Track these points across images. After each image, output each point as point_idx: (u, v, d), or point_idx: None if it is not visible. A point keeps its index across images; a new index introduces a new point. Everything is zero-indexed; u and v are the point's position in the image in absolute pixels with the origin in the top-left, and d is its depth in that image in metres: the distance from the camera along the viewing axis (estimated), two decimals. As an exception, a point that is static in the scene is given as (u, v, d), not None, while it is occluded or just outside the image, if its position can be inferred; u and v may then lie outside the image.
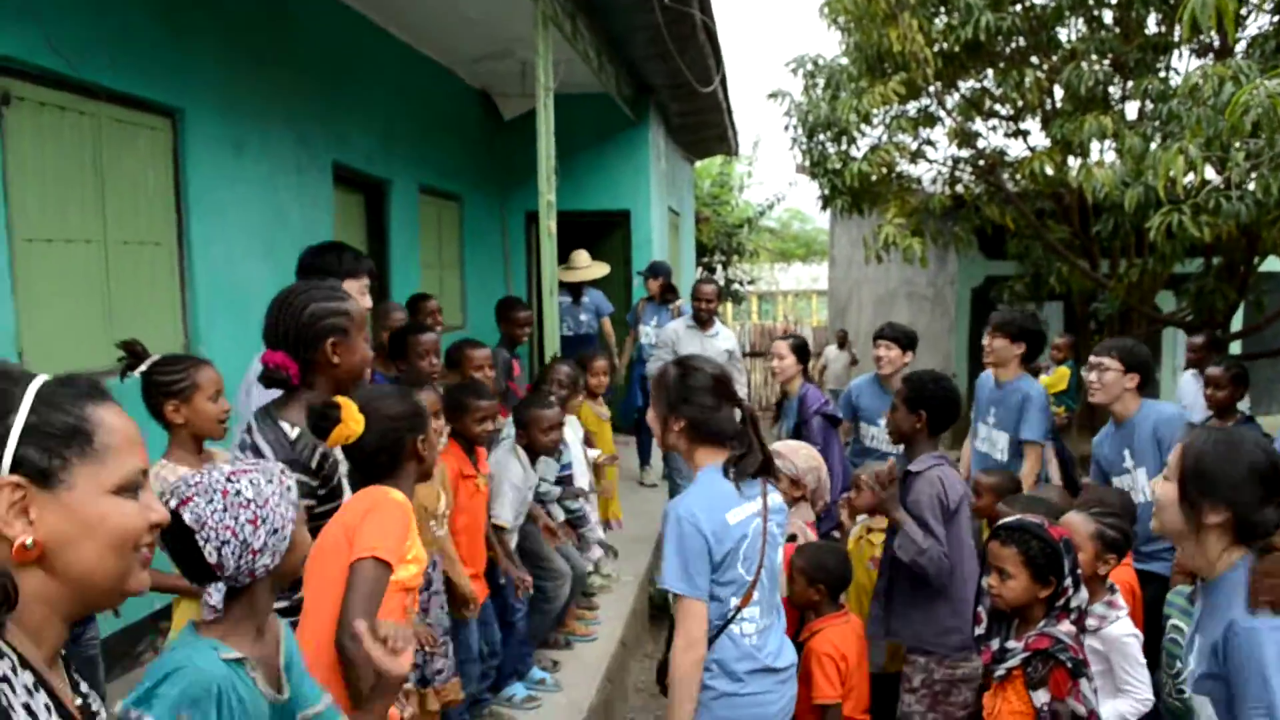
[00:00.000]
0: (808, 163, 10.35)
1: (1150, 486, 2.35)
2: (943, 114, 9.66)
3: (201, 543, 1.74)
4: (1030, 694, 2.84)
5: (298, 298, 2.53)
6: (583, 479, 5.14)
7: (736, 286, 18.82)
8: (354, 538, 2.19)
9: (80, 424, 1.22)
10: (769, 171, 65.88)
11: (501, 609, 4.26)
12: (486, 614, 4.05)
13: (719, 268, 18.33)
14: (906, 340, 5.67)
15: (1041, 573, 2.90)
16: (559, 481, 4.89)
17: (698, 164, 16.91)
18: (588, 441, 5.53)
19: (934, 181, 10.52)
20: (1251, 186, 6.24)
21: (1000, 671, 2.93)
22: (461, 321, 9.83)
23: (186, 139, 5.35)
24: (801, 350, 5.67)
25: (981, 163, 9.82)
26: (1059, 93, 8.85)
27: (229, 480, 1.79)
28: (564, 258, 10.01)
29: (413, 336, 4.27)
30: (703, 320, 6.93)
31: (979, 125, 10.02)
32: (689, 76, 8.77)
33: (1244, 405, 5.45)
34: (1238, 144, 5.97)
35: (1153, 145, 6.96)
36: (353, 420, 2.28)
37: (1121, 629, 3.22)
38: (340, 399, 2.28)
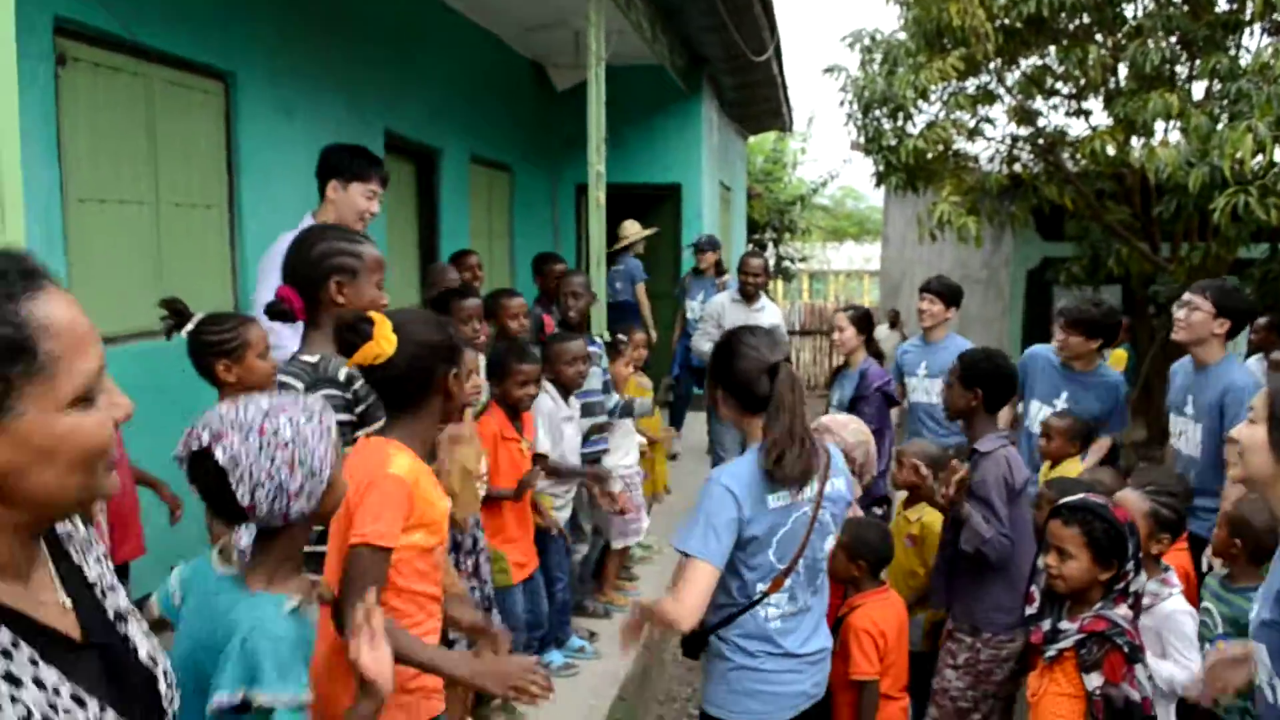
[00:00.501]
0: (862, 139, 10.20)
1: (1233, 434, 2.22)
2: (1002, 91, 9.46)
3: (234, 484, 1.66)
4: (1082, 677, 2.78)
5: (312, 236, 2.53)
6: (630, 454, 5.11)
7: (787, 264, 18.68)
8: (354, 513, 2.11)
9: (19, 336, 1.03)
10: (823, 148, 65.23)
11: (546, 577, 4.26)
12: (534, 583, 4.06)
13: (770, 245, 18.20)
14: (950, 295, 5.59)
15: (1103, 555, 2.82)
16: (592, 459, 4.83)
17: (751, 140, 16.78)
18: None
19: (991, 160, 10.32)
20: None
21: (1051, 652, 2.87)
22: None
23: (239, 102, 5.37)
24: (863, 322, 5.58)
25: (1041, 141, 9.62)
26: (1123, 71, 8.63)
27: (267, 417, 1.69)
28: (613, 231, 10.01)
29: (455, 301, 4.24)
30: (749, 294, 6.84)
31: (1039, 104, 9.81)
32: (743, 47, 8.66)
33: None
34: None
35: (1220, 125, 6.75)
36: (384, 339, 2.14)
37: (1174, 605, 3.16)
38: (375, 314, 2.18)
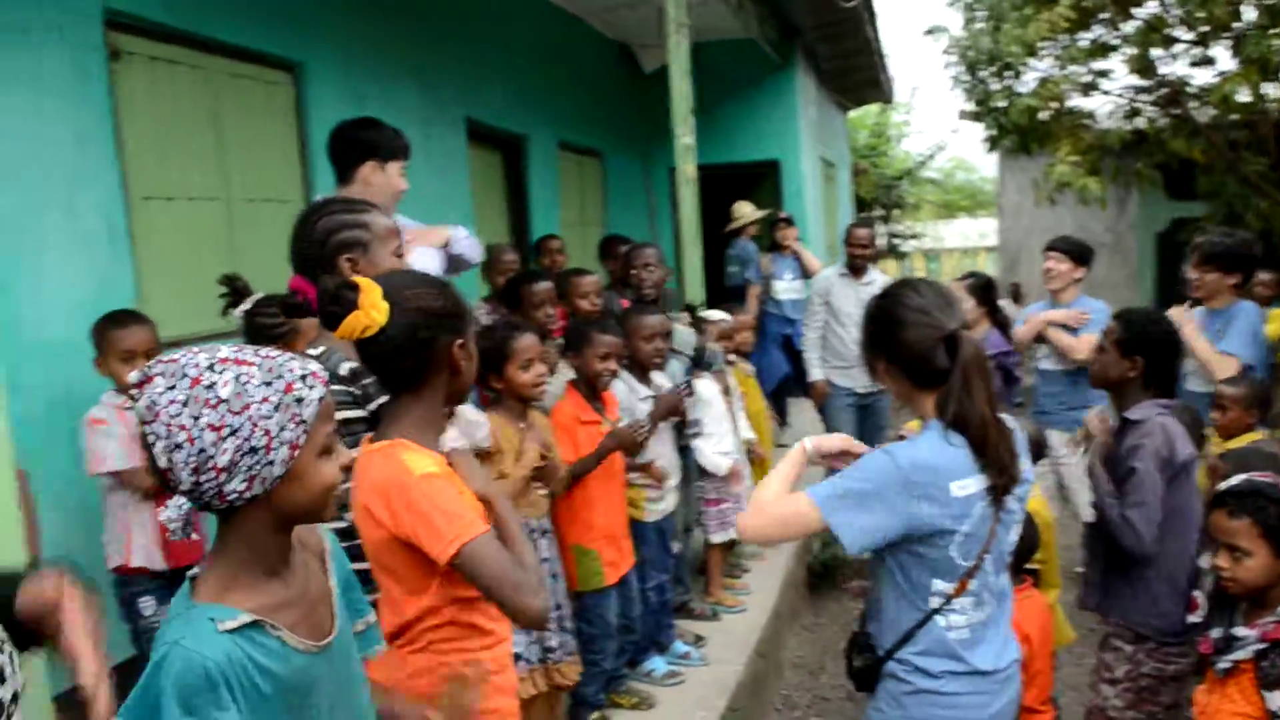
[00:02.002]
0: (970, 103, 9.69)
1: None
2: (1118, 41, 8.82)
3: (151, 439, 1.34)
4: (1263, 695, 2.31)
5: (313, 213, 2.25)
6: (727, 444, 4.74)
7: (898, 242, 18.05)
8: (412, 537, 1.82)
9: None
10: (929, 120, 63.02)
11: (638, 575, 3.94)
12: (627, 585, 3.73)
13: (879, 222, 17.59)
14: (1079, 253, 5.13)
15: None
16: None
17: (852, 114, 16.22)
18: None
19: (1110, 115, 9.66)
20: None
21: (1224, 664, 2.41)
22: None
23: (309, 93, 5.20)
24: (983, 291, 5.14)
25: (1164, 92, 8.94)
26: (1248, 13, 7.91)
27: (210, 368, 1.36)
28: (712, 212, 9.63)
29: (526, 286, 3.96)
30: (857, 268, 6.36)
31: (1159, 53, 9.11)
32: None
33: None
34: None
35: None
36: (373, 307, 1.82)
37: None
38: (362, 280, 1.84)
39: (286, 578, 1.51)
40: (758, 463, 5.20)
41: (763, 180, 10.46)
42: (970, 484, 2.15)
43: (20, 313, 3.57)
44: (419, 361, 1.89)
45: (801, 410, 8.44)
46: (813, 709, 4.66)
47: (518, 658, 3.10)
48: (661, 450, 4.05)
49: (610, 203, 9.91)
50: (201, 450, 1.34)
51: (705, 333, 4.81)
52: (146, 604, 3.20)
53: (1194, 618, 2.55)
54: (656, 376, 4.13)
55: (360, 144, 3.11)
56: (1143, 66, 8.86)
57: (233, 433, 1.35)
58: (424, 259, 3.36)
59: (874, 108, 17.16)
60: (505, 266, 4.66)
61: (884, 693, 2.30)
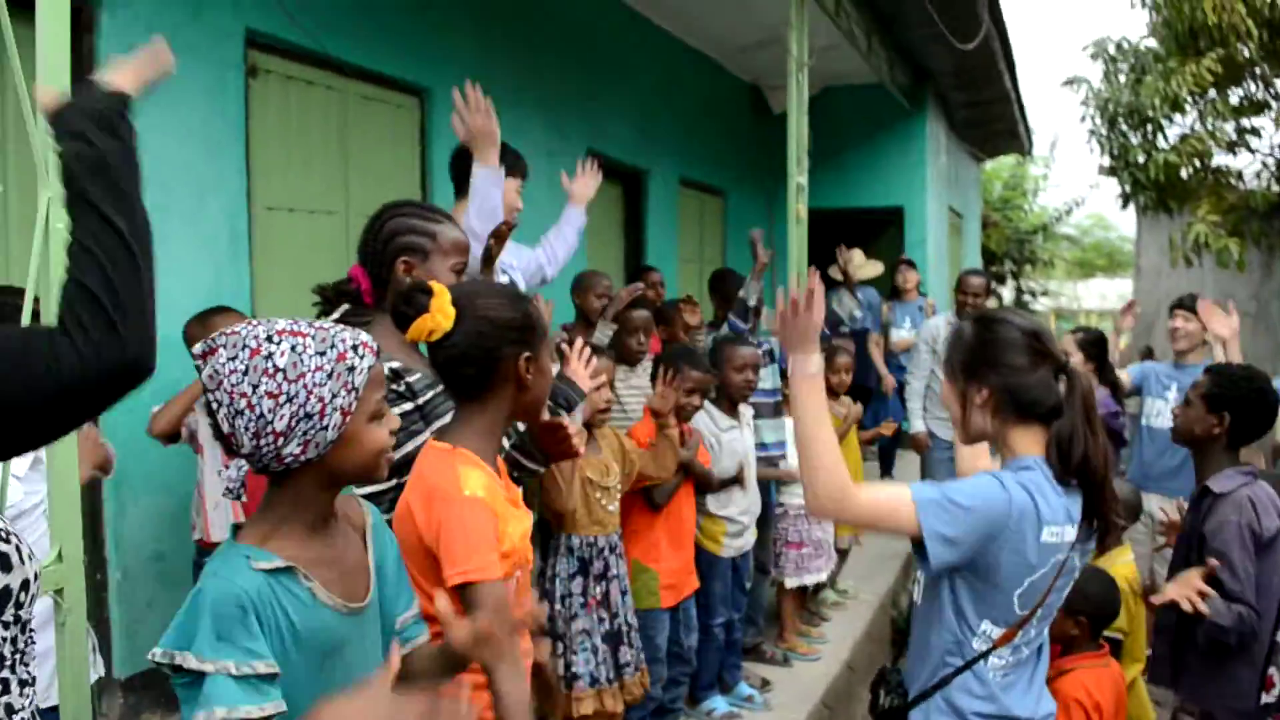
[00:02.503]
0: (1107, 157, 9.41)
1: None
2: (1269, 98, 8.47)
3: (214, 406, 1.45)
4: None
5: (386, 211, 2.31)
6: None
7: (1028, 298, 17.57)
8: (432, 545, 1.85)
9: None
10: (1067, 174, 61.19)
11: (704, 607, 3.92)
12: (685, 613, 3.72)
13: (1009, 277, 17.15)
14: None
15: None
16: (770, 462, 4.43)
17: (988, 165, 15.91)
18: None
19: (1257, 176, 9.26)
20: None
21: None
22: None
23: (434, 118, 5.38)
24: (1093, 346, 4.97)
25: (1318, 152, 8.54)
26: None
27: (269, 339, 1.46)
28: (832, 257, 9.56)
29: (624, 313, 4.03)
30: (967, 316, 6.25)
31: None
32: (945, 31, 7.88)
33: None
34: None
35: None
36: (440, 312, 1.86)
37: None
38: (435, 284, 1.90)
39: (325, 538, 1.59)
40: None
41: (886, 227, 10.35)
42: (1061, 533, 2.05)
43: (142, 310, 3.77)
44: (482, 371, 1.92)
45: (908, 462, 8.27)
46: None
47: (590, 680, 3.13)
48: (744, 488, 4.04)
49: (730, 241, 9.93)
50: (260, 416, 1.44)
51: (833, 367, 4.79)
52: None
53: (1269, 697, 2.39)
54: (744, 409, 4.13)
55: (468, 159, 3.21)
56: (1295, 126, 8.50)
57: (289, 400, 1.45)
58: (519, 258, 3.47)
59: (1011, 159, 16.80)
60: (601, 292, 4.73)
61: None
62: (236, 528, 1.57)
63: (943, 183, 11.03)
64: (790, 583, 4.71)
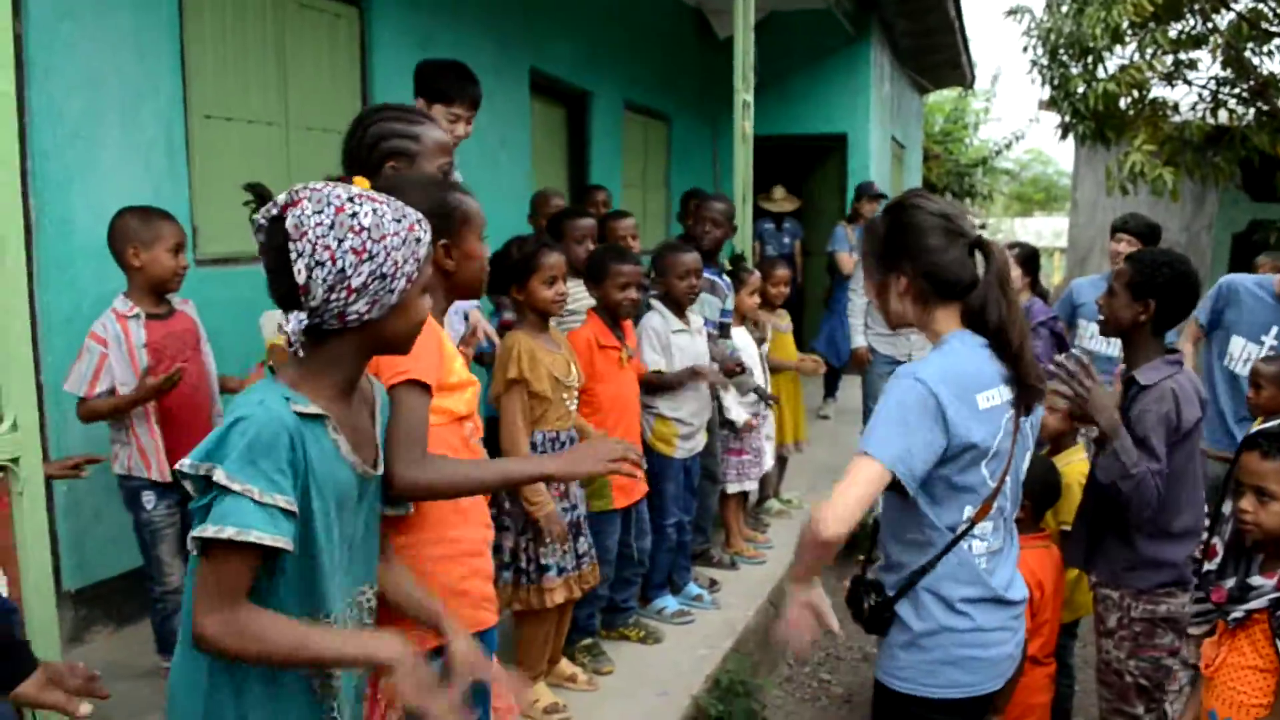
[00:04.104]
0: (1048, 88, 9.47)
1: None
2: (1206, 32, 8.56)
3: (294, 255, 1.49)
4: (1276, 646, 2.24)
5: (367, 117, 2.30)
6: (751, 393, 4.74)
7: (967, 232, 17.74)
8: (378, 363, 1.85)
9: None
10: (1009, 108, 61.49)
11: (657, 510, 3.97)
12: (637, 513, 3.76)
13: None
14: (1149, 234, 4.99)
15: None
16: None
17: (930, 99, 15.97)
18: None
19: (1193, 107, 9.39)
20: None
21: (1237, 614, 2.33)
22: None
23: (374, 30, 5.27)
24: (1028, 261, 5.06)
25: (1252, 85, 8.67)
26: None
27: (351, 200, 1.52)
28: (779, 183, 9.61)
29: (568, 221, 4.01)
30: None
31: (1253, 51, 8.83)
32: None
33: None
34: None
35: None
36: None
37: None
38: (358, 178, 1.93)
39: (348, 402, 1.64)
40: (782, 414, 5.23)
41: (829, 153, 10.38)
42: (995, 395, 2.11)
43: (74, 215, 3.69)
44: None
45: (851, 384, 8.41)
46: (824, 666, 4.67)
47: (558, 570, 3.20)
48: (696, 392, 4.08)
49: (673, 167, 9.90)
50: (341, 270, 1.50)
51: (745, 283, 4.80)
52: (148, 498, 3.29)
53: (1211, 565, 2.48)
54: (695, 318, 4.16)
55: (417, 82, 3.21)
56: (1231, 59, 8.60)
57: (370, 258, 1.51)
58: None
59: (953, 93, 16.88)
60: (552, 209, 4.72)
61: (897, 640, 2.22)
62: (271, 369, 1.61)
63: (886, 112, 11.07)
64: (732, 488, 4.78)
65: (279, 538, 1.44)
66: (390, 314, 1.57)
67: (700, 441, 4.20)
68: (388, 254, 1.52)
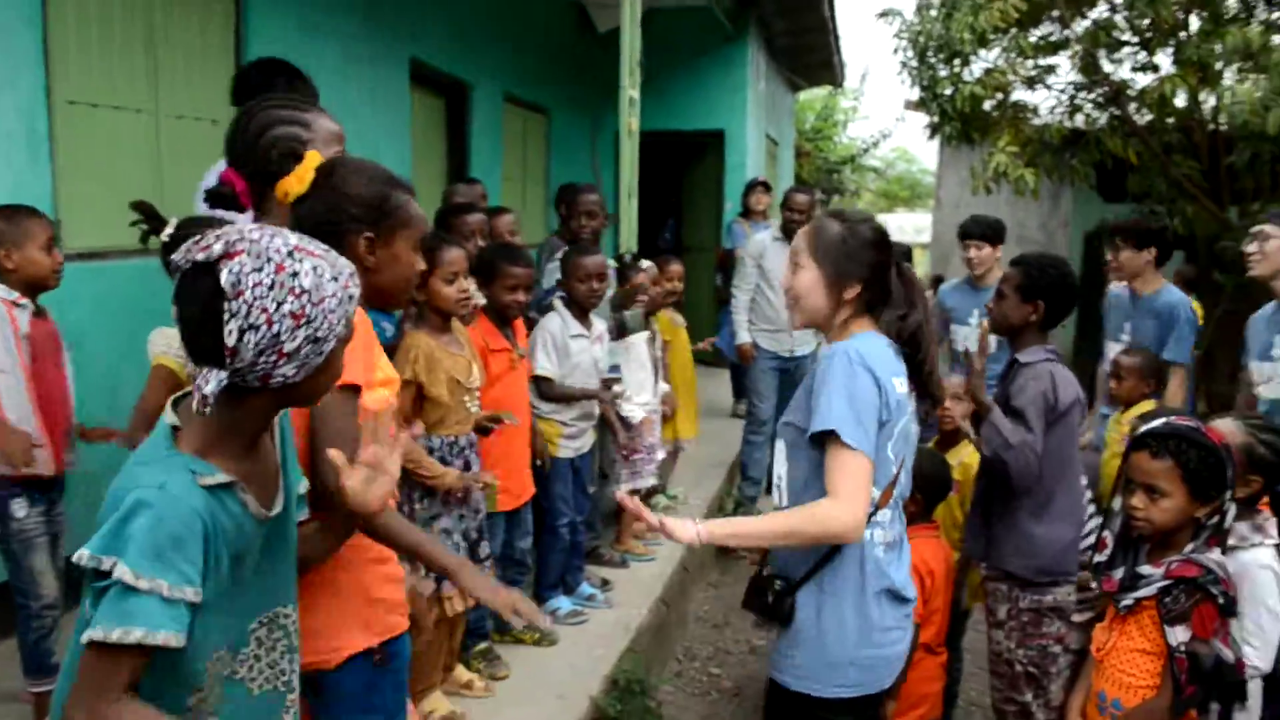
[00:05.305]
0: (917, 89, 9.75)
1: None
2: (1066, 39, 8.94)
3: (226, 315, 1.36)
4: (1164, 630, 2.38)
5: (253, 108, 2.21)
6: (645, 394, 4.74)
7: (836, 227, 18.15)
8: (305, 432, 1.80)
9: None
10: (876, 107, 63.36)
11: (545, 512, 3.94)
12: (520, 516, 3.73)
13: (819, 206, 17.67)
14: (994, 234, 5.22)
15: (1202, 488, 2.43)
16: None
17: (802, 97, 16.27)
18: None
19: (1052, 111, 9.81)
20: None
21: (1128, 601, 2.47)
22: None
23: (249, 15, 5.08)
24: (901, 259, 5.19)
25: (1105, 90, 9.09)
26: (1194, 23, 8.08)
27: (291, 255, 1.40)
28: (657, 179, 9.63)
29: (458, 217, 3.95)
30: (792, 232, 6.36)
31: (1106, 58, 9.27)
32: None
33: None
34: None
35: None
36: (298, 177, 1.82)
37: (1260, 557, 2.68)
38: (312, 153, 1.84)
39: (257, 452, 1.55)
40: (672, 415, 5.26)
41: (707, 150, 10.47)
42: (902, 383, 2.26)
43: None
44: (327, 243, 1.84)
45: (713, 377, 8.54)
46: (713, 660, 4.72)
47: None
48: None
49: (553, 161, 9.84)
50: (276, 335, 1.39)
51: (630, 280, 4.81)
52: (19, 505, 3.09)
53: (1101, 556, 2.61)
54: (595, 319, 4.15)
55: (238, 83, 3.08)
56: (1087, 65, 8.99)
57: (308, 322, 1.41)
58: None
59: (823, 91, 17.24)
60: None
61: (795, 639, 2.28)
62: (174, 429, 1.47)
63: (762, 109, 11.23)
64: (624, 487, 4.78)
65: (181, 635, 1.36)
66: (313, 373, 1.48)
67: (588, 441, 4.19)
68: (324, 317, 1.43)
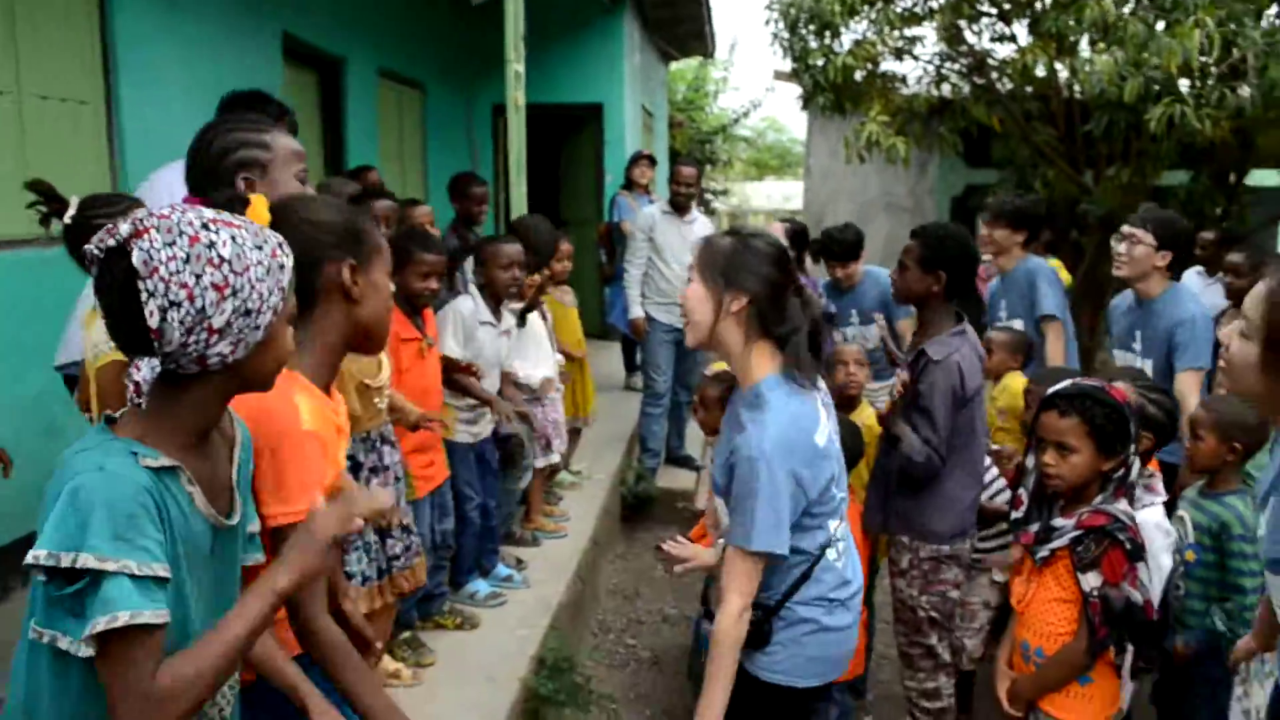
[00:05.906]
0: (788, 60, 9.90)
1: (1224, 352, 2.02)
2: (929, 11, 9.20)
3: (144, 295, 1.29)
4: (1078, 577, 2.53)
5: (210, 132, 2.12)
6: (544, 366, 4.72)
7: (709, 197, 18.35)
8: (269, 474, 1.69)
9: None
10: (746, 77, 63.92)
11: (457, 498, 3.91)
12: (442, 497, 3.70)
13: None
14: (853, 249, 5.39)
15: (1108, 443, 2.56)
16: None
17: (673, 67, 16.33)
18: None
19: (919, 81, 10.09)
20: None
21: (1043, 553, 2.61)
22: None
23: (116, -6, 4.83)
24: (797, 237, 5.28)
25: (969, 61, 9.40)
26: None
27: (205, 227, 1.34)
28: (535, 153, 9.53)
29: (365, 203, 3.85)
30: (680, 205, 6.42)
31: (968, 29, 9.57)
32: None
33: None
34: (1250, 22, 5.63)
35: (1159, 27, 6.59)
36: (254, 217, 1.61)
37: (1150, 516, 2.87)
38: (255, 196, 1.75)
39: (204, 451, 1.47)
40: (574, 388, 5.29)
41: (585, 123, 10.44)
42: (824, 428, 2.31)
43: None
44: (304, 280, 1.68)
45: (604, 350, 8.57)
46: (628, 631, 4.77)
47: (363, 578, 3.02)
48: (492, 373, 4.04)
49: (430, 137, 9.66)
50: (201, 309, 1.32)
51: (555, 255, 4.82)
52: None
53: (1017, 514, 2.75)
54: (507, 318, 4.13)
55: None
56: (951, 36, 9.27)
57: (234, 293, 1.34)
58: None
59: (694, 61, 17.33)
60: (348, 194, 4.51)
61: (786, 639, 2.38)
62: (109, 420, 1.40)
63: (637, 81, 11.24)
64: (539, 462, 4.78)
65: (162, 612, 1.29)
66: (255, 351, 1.41)
67: (487, 426, 4.16)
68: (252, 287, 1.36)
